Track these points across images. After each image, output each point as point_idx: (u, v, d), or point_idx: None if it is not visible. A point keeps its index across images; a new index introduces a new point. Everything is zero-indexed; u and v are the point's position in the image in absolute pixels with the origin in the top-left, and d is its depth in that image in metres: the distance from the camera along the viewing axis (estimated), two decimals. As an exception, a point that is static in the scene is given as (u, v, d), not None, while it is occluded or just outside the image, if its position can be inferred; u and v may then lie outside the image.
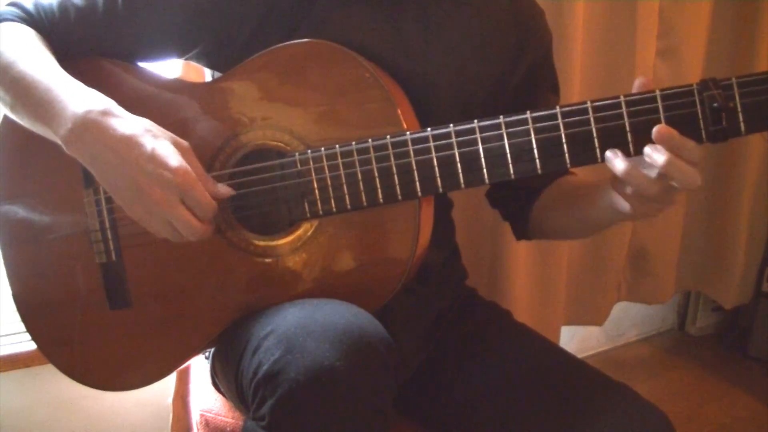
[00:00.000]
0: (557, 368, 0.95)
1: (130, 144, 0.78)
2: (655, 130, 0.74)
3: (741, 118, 0.74)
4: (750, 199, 2.00)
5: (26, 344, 1.36)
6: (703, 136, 0.75)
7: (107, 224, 0.90)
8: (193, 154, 0.82)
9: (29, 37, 0.88)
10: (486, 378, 0.97)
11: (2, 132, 0.94)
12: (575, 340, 2.10)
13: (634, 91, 0.77)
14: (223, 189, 0.85)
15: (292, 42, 0.86)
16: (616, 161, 0.76)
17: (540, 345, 1.01)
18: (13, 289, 0.95)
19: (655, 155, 0.73)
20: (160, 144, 0.79)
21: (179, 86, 0.92)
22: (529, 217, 1.05)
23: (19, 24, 0.89)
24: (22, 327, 0.96)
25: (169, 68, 1.13)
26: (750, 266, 2.09)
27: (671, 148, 0.73)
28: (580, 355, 1.24)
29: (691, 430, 1.83)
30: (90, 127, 0.78)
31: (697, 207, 2.02)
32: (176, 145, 0.80)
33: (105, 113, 0.79)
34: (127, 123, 0.79)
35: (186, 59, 0.96)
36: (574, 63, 1.57)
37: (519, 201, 1.06)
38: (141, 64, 0.95)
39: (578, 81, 1.60)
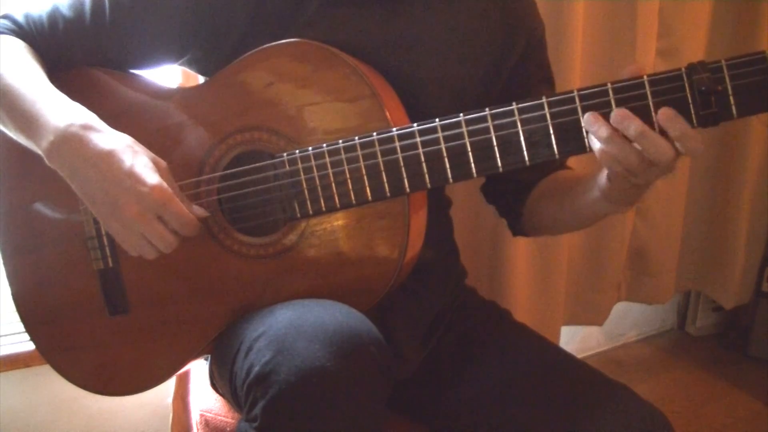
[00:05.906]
0: (557, 368, 0.95)
1: (109, 159, 0.78)
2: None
3: (732, 101, 0.72)
4: (750, 199, 2.00)
5: (26, 344, 1.36)
6: (694, 120, 0.73)
7: (103, 231, 0.91)
8: (170, 174, 0.83)
9: (18, 49, 0.88)
10: (485, 378, 0.96)
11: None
12: (575, 340, 2.10)
13: (624, 76, 0.75)
14: (198, 210, 0.85)
15: (277, 42, 0.86)
16: (598, 125, 0.74)
17: (540, 345, 1.01)
18: (14, 298, 0.95)
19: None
20: (139, 160, 0.79)
21: (168, 92, 0.93)
22: (523, 211, 1.05)
23: (10, 36, 0.90)
24: (22, 327, 0.96)
25: (166, 74, 1.13)
26: (750, 266, 2.09)
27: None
28: (580, 355, 1.24)
29: (691, 430, 1.83)
30: (70, 141, 0.79)
31: (697, 207, 2.02)
32: (155, 163, 0.81)
33: (85, 127, 0.80)
34: (107, 138, 0.80)
35: (178, 65, 0.97)
36: (574, 63, 1.57)
37: (513, 195, 1.05)
38: (133, 72, 0.95)
39: (578, 81, 1.60)
